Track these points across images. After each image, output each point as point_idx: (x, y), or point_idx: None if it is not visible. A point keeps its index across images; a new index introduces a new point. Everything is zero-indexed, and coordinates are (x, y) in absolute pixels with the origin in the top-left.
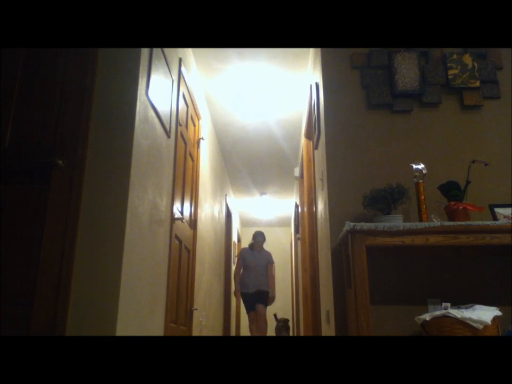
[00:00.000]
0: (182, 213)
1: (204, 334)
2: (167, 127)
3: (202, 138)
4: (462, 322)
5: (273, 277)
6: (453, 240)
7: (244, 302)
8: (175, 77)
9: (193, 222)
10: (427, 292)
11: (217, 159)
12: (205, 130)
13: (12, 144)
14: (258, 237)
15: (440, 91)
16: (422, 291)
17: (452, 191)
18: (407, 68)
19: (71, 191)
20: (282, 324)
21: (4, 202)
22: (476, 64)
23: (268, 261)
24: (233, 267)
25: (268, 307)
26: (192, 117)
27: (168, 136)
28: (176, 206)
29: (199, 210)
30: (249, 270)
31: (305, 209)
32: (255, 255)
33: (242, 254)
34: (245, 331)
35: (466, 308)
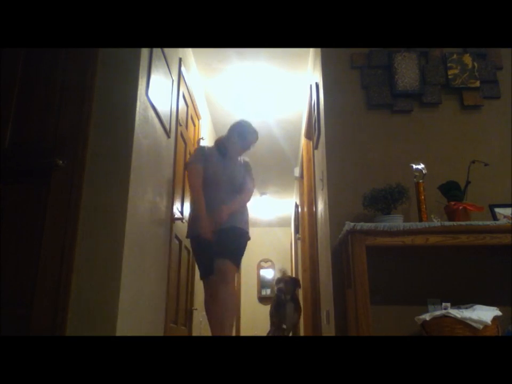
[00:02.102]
0: (182, 213)
1: (204, 334)
2: (167, 127)
3: (202, 138)
4: (462, 322)
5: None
6: (453, 240)
7: (197, 250)
8: (175, 77)
9: None
10: (427, 292)
11: None
12: (205, 130)
13: (12, 144)
14: (252, 135)
15: (440, 91)
16: (422, 291)
17: (452, 191)
18: (407, 67)
19: (71, 191)
20: (285, 285)
21: (4, 202)
22: (476, 64)
23: (247, 175)
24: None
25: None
26: (192, 117)
27: (168, 136)
28: (176, 206)
29: None
30: (214, 187)
31: (305, 209)
32: (226, 162)
33: (203, 154)
34: (245, 331)
35: (466, 308)
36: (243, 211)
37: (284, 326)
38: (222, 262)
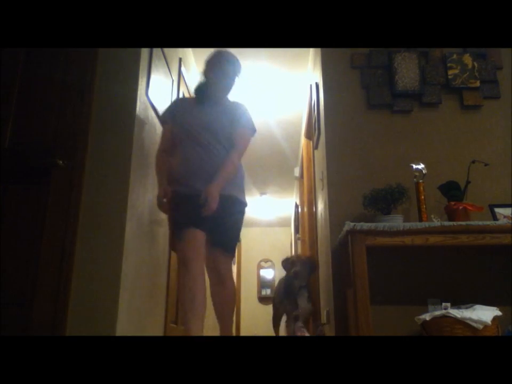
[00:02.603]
0: None
1: (204, 334)
2: None
3: None
4: (462, 322)
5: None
6: (453, 240)
7: (174, 212)
8: (175, 77)
9: None
10: (427, 292)
11: None
12: None
13: (12, 144)
14: (229, 63)
15: (440, 91)
16: (422, 291)
17: (451, 191)
18: (407, 67)
19: (71, 191)
20: (301, 267)
21: (4, 202)
22: (475, 64)
23: (237, 122)
24: (233, 268)
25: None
26: None
27: None
28: None
29: None
30: (192, 143)
31: (305, 209)
32: (207, 110)
33: (175, 107)
34: (245, 331)
35: (466, 308)
36: (237, 172)
37: (296, 313)
38: (216, 256)
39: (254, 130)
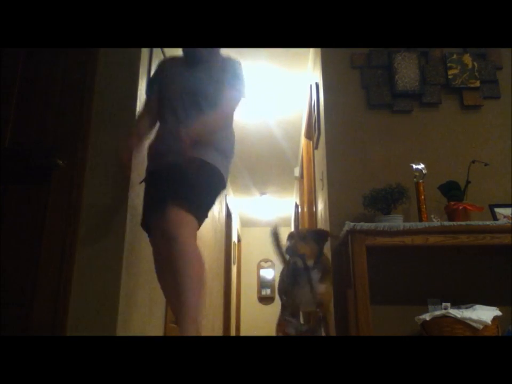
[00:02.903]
0: None
1: (204, 334)
2: None
3: None
4: (462, 322)
5: (221, 117)
6: (453, 240)
7: (145, 199)
8: None
9: None
10: (427, 292)
11: None
12: None
13: (12, 144)
14: None
15: (440, 91)
16: (422, 291)
17: (451, 191)
18: (407, 67)
19: (71, 191)
20: (302, 242)
21: (4, 202)
22: (475, 64)
23: (224, 84)
24: (233, 268)
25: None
26: None
27: None
28: None
29: None
30: (174, 106)
31: (305, 209)
32: (193, 72)
33: (161, 69)
34: (245, 331)
35: (466, 308)
36: (218, 138)
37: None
38: (167, 209)
39: (242, 92)
